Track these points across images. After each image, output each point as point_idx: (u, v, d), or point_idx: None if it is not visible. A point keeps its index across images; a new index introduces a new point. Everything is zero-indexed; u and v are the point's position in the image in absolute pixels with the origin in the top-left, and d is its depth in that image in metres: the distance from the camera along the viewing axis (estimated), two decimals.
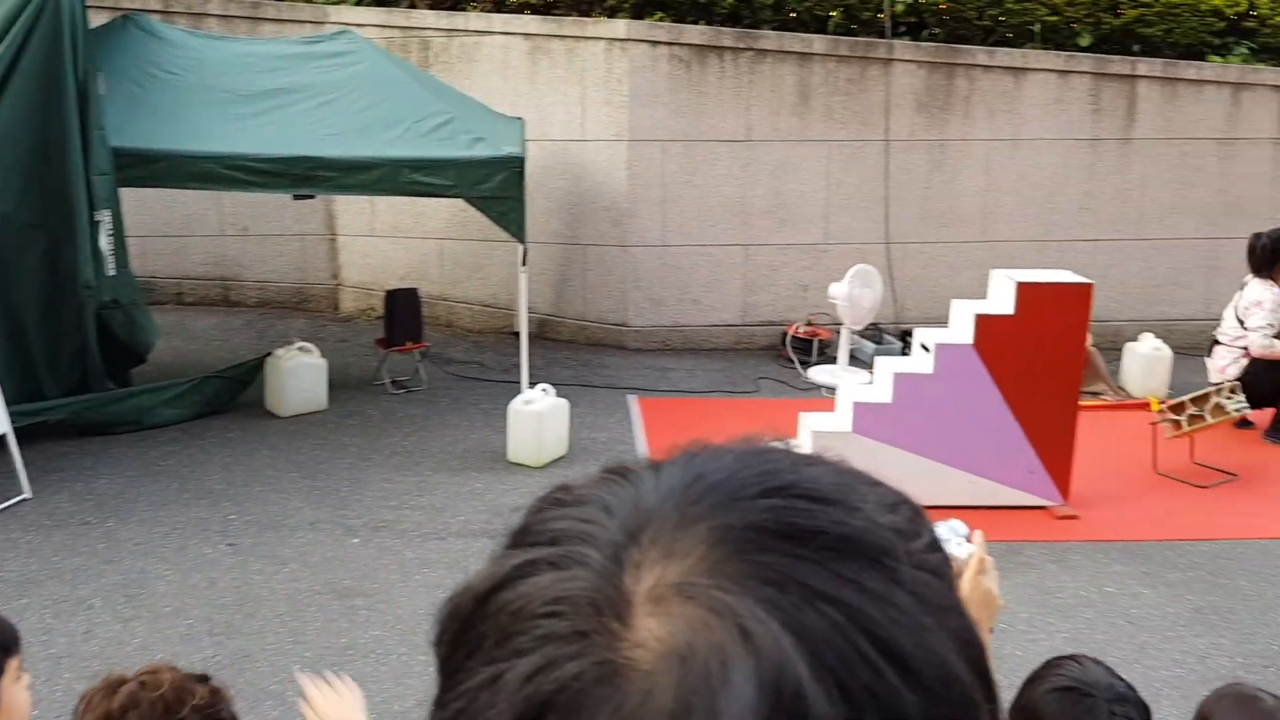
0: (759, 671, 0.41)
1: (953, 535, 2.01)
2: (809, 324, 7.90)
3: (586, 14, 8.19)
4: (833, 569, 0.45)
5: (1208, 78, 8.24)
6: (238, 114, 6.08)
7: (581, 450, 6.08)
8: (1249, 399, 6.06)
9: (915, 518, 0.52)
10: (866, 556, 0.46)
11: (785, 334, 7.88)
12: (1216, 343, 6.57)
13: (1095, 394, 7.10)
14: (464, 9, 8.49)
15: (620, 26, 7.87)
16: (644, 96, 7.86)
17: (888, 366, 5.58)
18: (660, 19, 7.98)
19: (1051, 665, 1.99)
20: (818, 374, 7.44)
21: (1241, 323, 6.37)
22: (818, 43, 7.92)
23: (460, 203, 6.56)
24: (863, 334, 7.86)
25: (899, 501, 0.52)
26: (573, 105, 8.03)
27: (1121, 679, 1.93)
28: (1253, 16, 8.51)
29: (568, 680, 0.43)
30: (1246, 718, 1.89)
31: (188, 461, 5.82)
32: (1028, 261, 7.96)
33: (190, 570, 4.64)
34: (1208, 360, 6.62)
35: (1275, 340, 6.27)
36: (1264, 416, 6.38)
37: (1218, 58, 8.42)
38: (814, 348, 7.74)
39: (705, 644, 0.42)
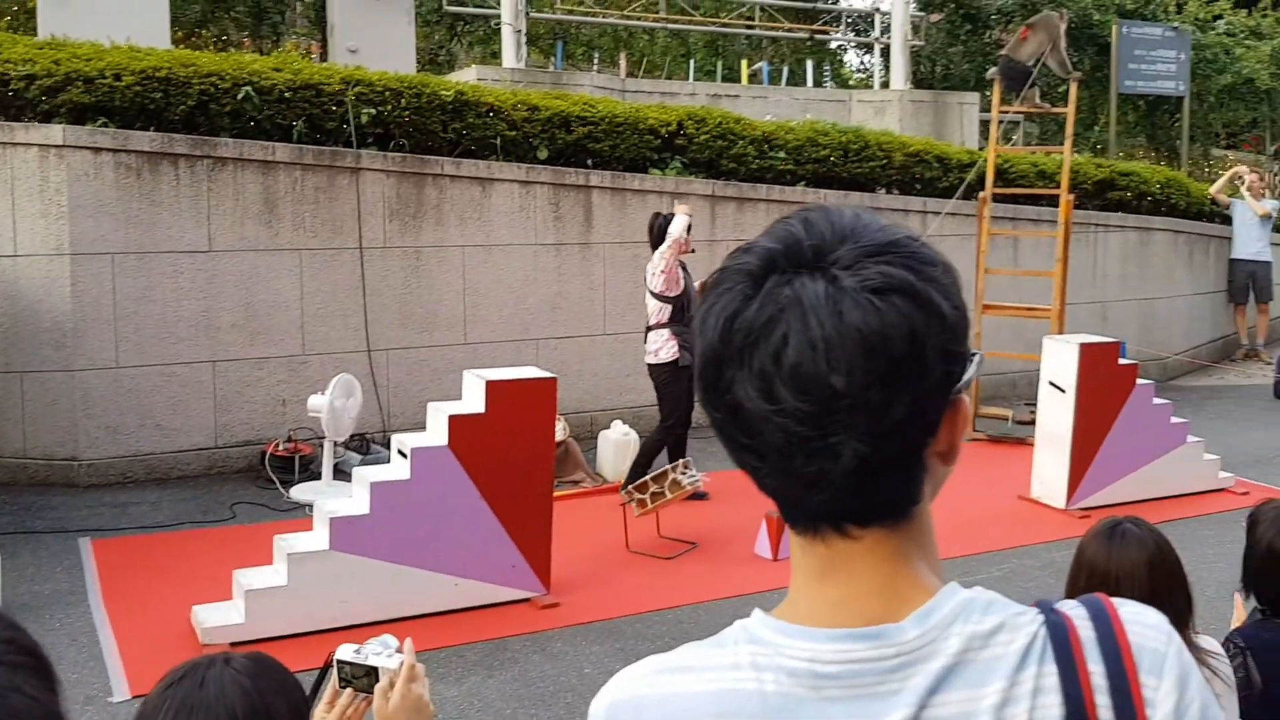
0: None
1: (384, 648, 1.97)
2: (290, 440, 7.54)
3: (16, 119, 7.37)
4: None
5: (649, 188, 9.12)
6: None
7: (21, 607, 5.25)
8: (661, 403, 6.95)
9: None
10: None
11: (265, 453, 7.45)
12: (649, 329, 7.09)
13: (575, 482, 7.44)
14: None
15: (56, 132, 7.16)
16: (88, 206, 7.18)
17: (365, 476, 5.42)
18: (103, 124, 7.37)
19: None
20: (300, 492, 7.08)
21: (658, 296, 6.96)
22: (281, 150, 7.72)
23: None
24: (348, 446, 7.65)
25: None
26: (2, 218, 7.15)
27: None
28: (683, 135, 9.57)
29: None
30: None
31: None
32: (507, 360, 8.25)
33: None
34: (645, 345, 7.11)
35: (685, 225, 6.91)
36: (710, 487, 6.96)
37: (657, 170, 9.37)
38: (296, 465, 7.39)
39: None
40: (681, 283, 6.93)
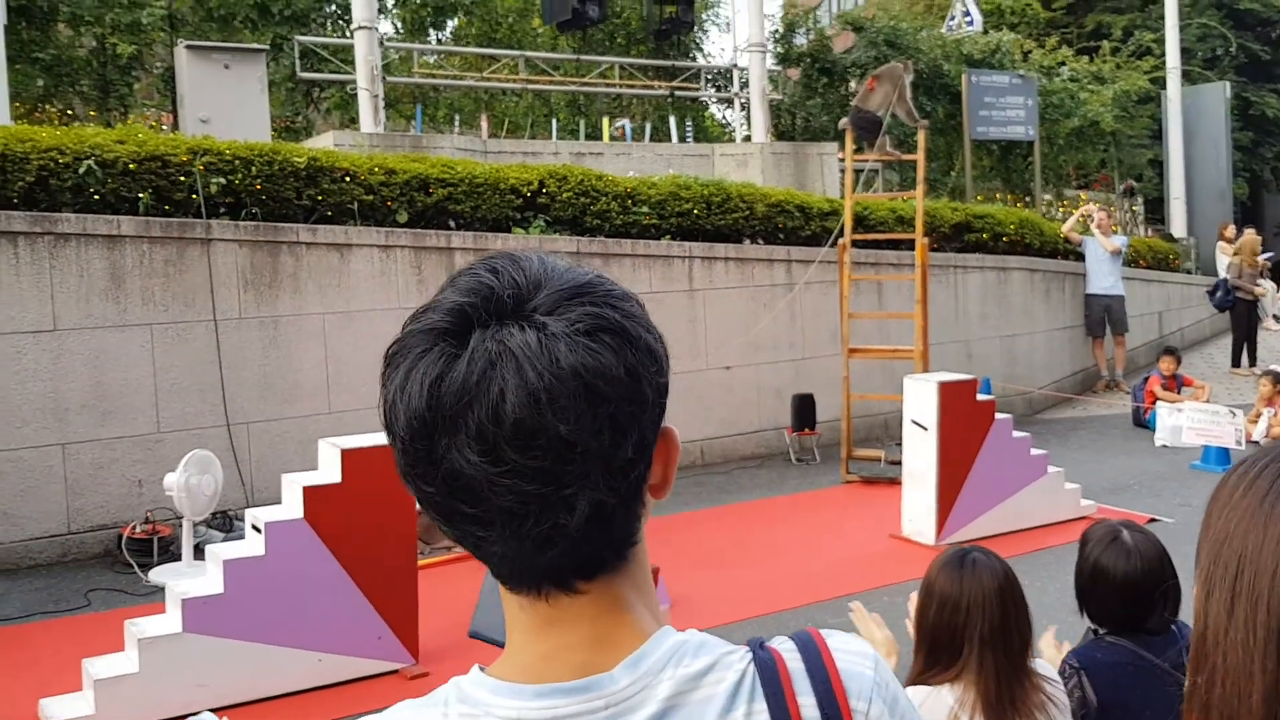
0: None
1: None
2: (148, 521, 7.24)
3: None
4: None
5: (513, 247, 9.10)
6: None
7: None
8: None
9: None
10: None
11: (121, 536, 7.13)
12: None
13: (447, 548, 7.29)
14: None
15: None
16: None
17: (218, 554, 5.22)
18: None
19: None
20: (160, 575, 6.78)
21: None
22: (126, 224, 7.50)
23: None
24: (210, 524, 7.38)
25: None
26: None
27: None
28: (545, 194, 9.61)
29: None
30: None
31: None
32: (374, 428, 8.07)
33: None
34: None
35: None
36: None
37: (521, 230, 9.37)
38: (155, 547, 7.08)
39: None
40: None
